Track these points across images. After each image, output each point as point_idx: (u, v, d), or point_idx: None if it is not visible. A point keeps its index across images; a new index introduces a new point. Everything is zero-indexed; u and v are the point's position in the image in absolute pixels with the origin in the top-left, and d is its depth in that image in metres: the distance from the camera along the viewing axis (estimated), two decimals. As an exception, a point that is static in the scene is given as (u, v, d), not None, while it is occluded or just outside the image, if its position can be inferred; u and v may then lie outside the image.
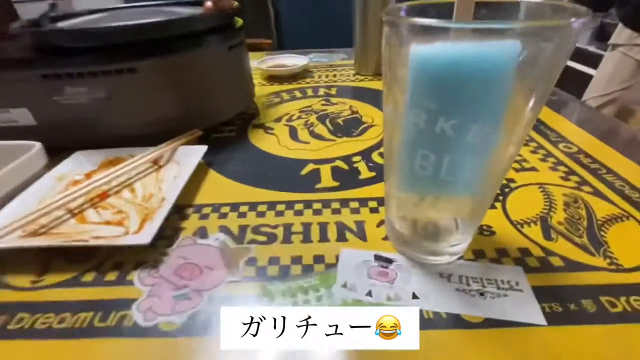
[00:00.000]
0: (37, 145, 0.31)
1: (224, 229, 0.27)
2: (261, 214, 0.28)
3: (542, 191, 0.29)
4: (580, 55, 1.28)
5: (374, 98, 0.50)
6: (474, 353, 0.17)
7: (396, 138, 0.20)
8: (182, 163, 0.34)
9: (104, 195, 0.30)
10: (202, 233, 0.26)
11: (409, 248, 0.23)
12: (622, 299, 0.20)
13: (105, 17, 0.40)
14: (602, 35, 1.21)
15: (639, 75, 1.04)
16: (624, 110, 1.07)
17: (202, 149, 0.34)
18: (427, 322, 0.19)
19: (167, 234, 0.26)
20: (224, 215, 0.28)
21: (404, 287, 0.21)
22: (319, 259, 0.24)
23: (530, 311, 0.19)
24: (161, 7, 0.45)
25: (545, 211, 0.27)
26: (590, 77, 1.25)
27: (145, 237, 0.23)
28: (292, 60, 0.64)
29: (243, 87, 0.45)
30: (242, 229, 0.27)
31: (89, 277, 0.23)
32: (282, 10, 1.76)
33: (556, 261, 0.23)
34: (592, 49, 1.26)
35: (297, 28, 1.83)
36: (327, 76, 0.60)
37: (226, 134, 0.42)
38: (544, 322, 0.19)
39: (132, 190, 0.30)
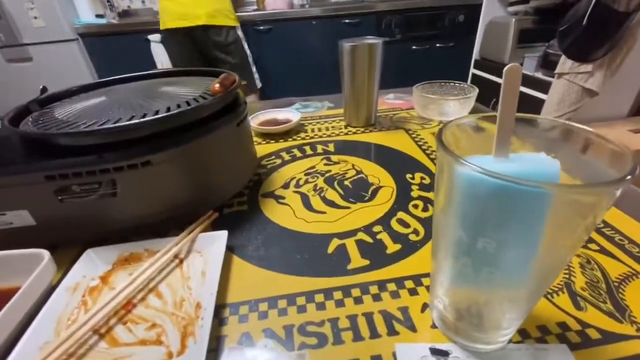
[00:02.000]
0: (46, 255, 0.29)
1: (269, 333, 0.26)
2: (302, 309, 0.28)
3: (556, 252, 0.32)
4: (530, 81, 1.42)
5: (371, 154, 0.52)
6: None
7: (443, 237, 0.21)
8: (204, 253, 0.33)
9: (129, 305, 0.28)
10: (248, 340, 0.25)
11: (459, 336, 0.24)
12: (660, 369, 0.22)
13: (104, 102, 0.38)
14: (546, 63, 1.36)
15: (584, 99, 1.17)
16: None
17: (223, 235, 0.33)
18: None
19: (209, 347, 0.25)
20: (263, 315, 0.27)
21: (469, 385, 0.22)
22: (376, 359, 0.24)
23: (590, 397, 0.21)
24: (154, 84, 0.45)
25: (567, 276, 0.29)
26: (540, 100, 1.39)
27: (196, 362, 0.22)
28: (283, 115, 0.65)
29: (248, 155, 0.45)
30: (288, 330, 0.26)
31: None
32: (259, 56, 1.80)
33: (593, 333, 0.24)
34: (539, 75, 1.40)
35: (276, 73, 1.88)
36: (319, 129, 0.62)
37: (237, 207, 0.41)
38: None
39: (159, 295, 0.29)
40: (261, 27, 1.77)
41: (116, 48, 1.72)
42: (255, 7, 2.03)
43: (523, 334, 0.25)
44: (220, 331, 0.26)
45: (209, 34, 1.40)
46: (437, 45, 1.94)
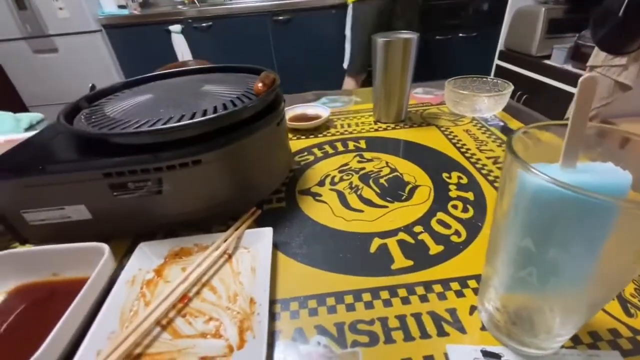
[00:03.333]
0: (106, 249, 0.31)
1: (321, 330, 0.27)
2: (351, 307, 0.28)
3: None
4: (558, 73, 1.37)
5: (404, 151, 0.52)
6: None
7: (504, 244, 0.21)
8: (252, 250, 0.34)
9: (185, 298, 0.29)
10: (301, 336, 0.26)
11: (511, 340, 0.25)
12: None
13: (151, 100, 0.39)
14: (576, 54, 1.31)
15: (616, 93, 1.13)
16: (604, 124, 1.15)
17: (269, 232, 0.34)
18: None
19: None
20: (314, 312, 0.28)
21: (523, 388, 0.22)
22: (428, 359, 0.24)
23: (647, 405, 0.21)
24: (196, 81, 0.45)
25: (616, 282, 0.29)
26: (569, 93, 1.35)
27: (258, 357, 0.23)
28: (313, 110, 0.65)
29: (286, 153, 0.45)
30: (339, 327, 0.27)
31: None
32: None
33: (646, 342, 0.24)
34: (569, 67, 1.35)
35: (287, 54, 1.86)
36: (349, 125, 0.62)
37: (275, 203, 0.42)
38: (663, 417, 0.20)
39: (213, 289, 0.30)
40: (281, 18, 1.76)
41: (138, 39, 1.74)
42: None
43: (575, 340, 0.25)
44: (273, 326, 0.27)
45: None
46: (460, 35, 1.88)
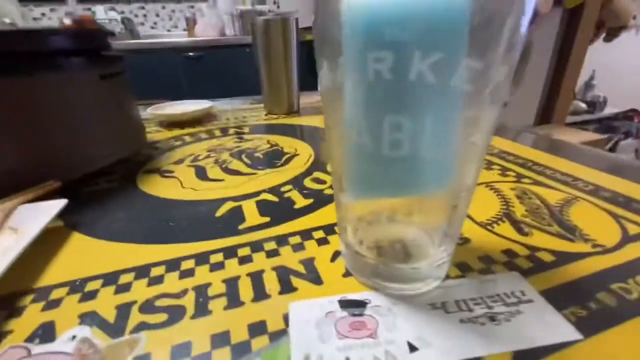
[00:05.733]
0: None
1: (89, 317, 0.16)
2: (156, 280, 0.18)
3: (490, 189, 0.27)
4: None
5: (292, 131, 0.46)
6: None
7: (344, 119, 0.14)
8: (21, 230, 0.22)
9: None
10: (46, 333, 0.15)
11: (379, 278, 0.17)
12: (630, 281, 0.17)
13: None
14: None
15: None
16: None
17: (57, 204, 0.23)
18: (447, 387, 0.12)
19: (-32, 353, 0.14)
20: (90, 296, 0.17)
21: (394, 338, 0.14)
22: (257, 327, 0.15)
23: (558, 326, 0.14)
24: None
25: (505, 207, 0.24)
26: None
27: None
28: (194, 106, 0.57)
29: (123, 127, 0.35)
30: (123, 310, 0.16)
31: None
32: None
33: (545, 256, 0.19)
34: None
35: (200, 90, 1.80)
36: (236, 118, 0.55)
37: (103, 184, 0.31)
38: (580, 336, 0.14)
39: None
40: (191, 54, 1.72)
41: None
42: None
43: (463, 268, 0.18)
44: (3, 326, 0.16)
45: None
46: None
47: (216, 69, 1.76)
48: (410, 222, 0.19)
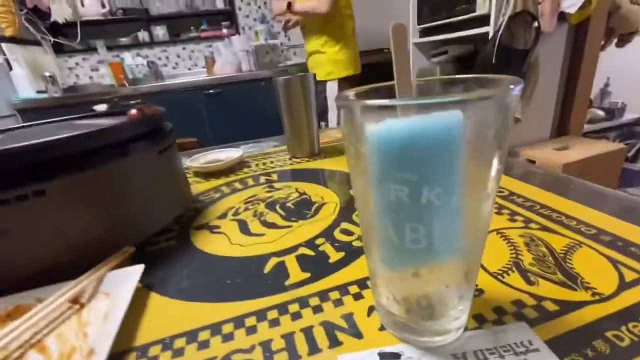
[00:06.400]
0: None
1: (184, 372, 0.20)
2: (228, 337, 0.23)
3: (500, 236, 0.30)
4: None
5: (316, 177, 0.51)
6: None
7: (373, 212, 0.18)
8: (113, 294, 0.27)
9: (-6, 370, 0.21)
10: (153, 387, 0.20)
11: (409, 333, 0.21)
12: (623, 328, 0.20)
13: (12, 135, 0.34)
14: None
15: (511, 126, 1.30)
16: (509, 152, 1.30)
17: (138, 270, 0.28)
18: None
19: (101, 404, 0.19)
20: (179, 352, 0.22)
21: (425, 387, 0.18)
22: (315, 378, 0.19)
23: (559, 373, 0.18)
24: (76, 121, 0.42)
25: (514, 256, 0.28)
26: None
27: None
28: (226, 154, 0.63)
29: (177, 189, 0.41)
30: (208, 364, 0.21)
31: None
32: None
33: (549, 305, 0.22)
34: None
35: (220, 124, 1.90)
36: (264, 164, 0.61)
37: (163, 243, 0.36)
38: (577, 382, 0.17)
39: (43, 349, 0.22)
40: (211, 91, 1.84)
41: (58, 121, 1.66)
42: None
43: (479, 319, 0.22)
44: (119, 383, 0.20)
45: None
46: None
47: (235, 104, 1.87)
48: (432, 278, 0.22)
